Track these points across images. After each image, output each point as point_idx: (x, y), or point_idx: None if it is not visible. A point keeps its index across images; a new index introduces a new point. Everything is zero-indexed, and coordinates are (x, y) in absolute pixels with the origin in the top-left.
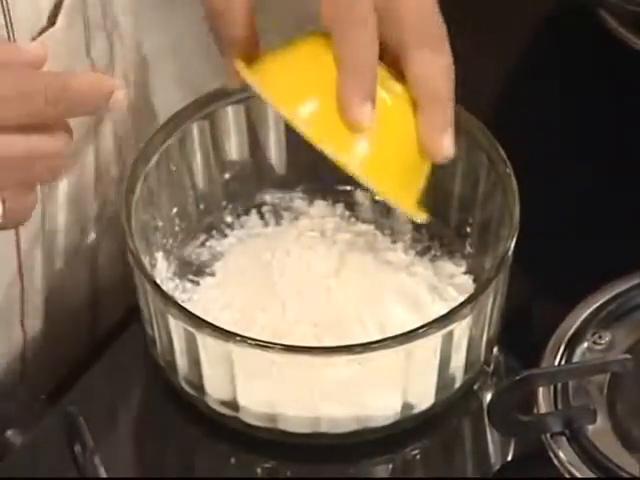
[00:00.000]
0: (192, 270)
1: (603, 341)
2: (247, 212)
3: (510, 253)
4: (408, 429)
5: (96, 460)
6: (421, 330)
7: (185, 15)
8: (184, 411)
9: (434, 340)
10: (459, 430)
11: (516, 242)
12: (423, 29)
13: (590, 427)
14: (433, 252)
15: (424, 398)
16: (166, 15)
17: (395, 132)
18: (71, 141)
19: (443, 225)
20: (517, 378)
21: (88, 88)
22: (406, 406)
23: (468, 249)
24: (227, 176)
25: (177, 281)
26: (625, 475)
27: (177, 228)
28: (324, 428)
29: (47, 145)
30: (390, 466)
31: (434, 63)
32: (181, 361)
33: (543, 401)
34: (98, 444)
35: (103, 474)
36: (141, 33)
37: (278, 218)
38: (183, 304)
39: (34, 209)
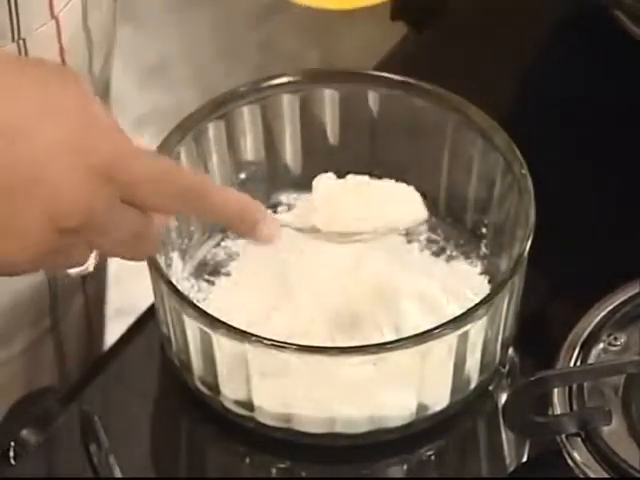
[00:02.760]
0: (208, 270)
1: (618, 342)
2: None
3: (526, 254)
4: (423, 430)
5: (111, 460)
6: (436, 331)
7: (202, 17)
8: (199, 411)
9: (449, 341)
10: (474, 431)
11: (532, 243)
12: None
13: (605, 428)
14: (448, 253)
15: (439, 399)
16: (183, 17)
17: None
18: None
19: (458, 226)
20: (532, 379)
21: (229, 206)
22: (421, 407)
23: (483, 250)
24: (242, 176)
25: (193, 281)
26: None
27: (192, 228)
28: (339, 428)
29: (152, 232)
30: (405, 467)
31: None
32: (196, 361)
33: (558, 402)
34: (113, 444)
35: (118, 474)
36: (157, 35)
37: None
38: (198, 304)
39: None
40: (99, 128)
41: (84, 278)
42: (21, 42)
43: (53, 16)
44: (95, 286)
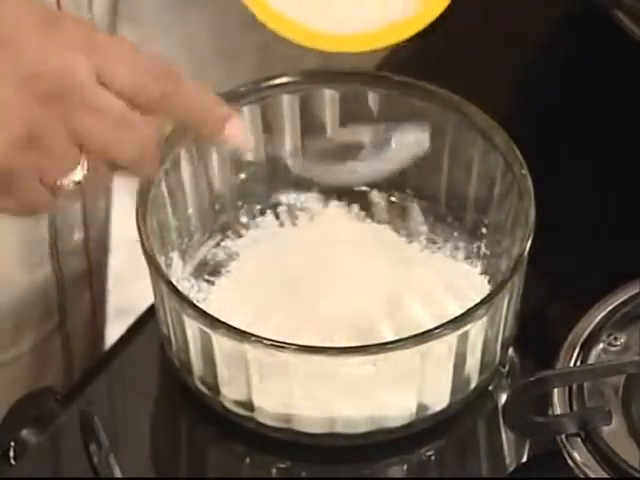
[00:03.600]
0: (207, 270)
1: (618, 343)
2: (262, 212)
3: (526, 254)
4: (423, 430)
5: (111, 460)
6: (436, 331)
7: (200, 16)
8: (199, 411)
9: (449, 341)
10: (474, 431)
11: (532, 243)
12: None
13: (605, 428)
14: (448, 253)
15: (439, 399)
16: (182, 17)
17: None
18: (153, 142)
19: (458, 226)
20: (532, 379)
21: (199, 97)
22: (421, 407)
23: (483, 250)
24: (243, 176)
25: (193, 281)
26: None
27: (192, 228)
28: (339, 428)
29: (138, 119)
30: (405, 467)
31: None
32: (196, 361)
33: (558, 402)
34: (113, 444)
35: (118, 474)
36: (156, 35)
37: (293, 218)
38: (198, 304)
39: (103, 186)
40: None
41: (90, 274)
42: None
43: (59, 5)
44: (99, 282)
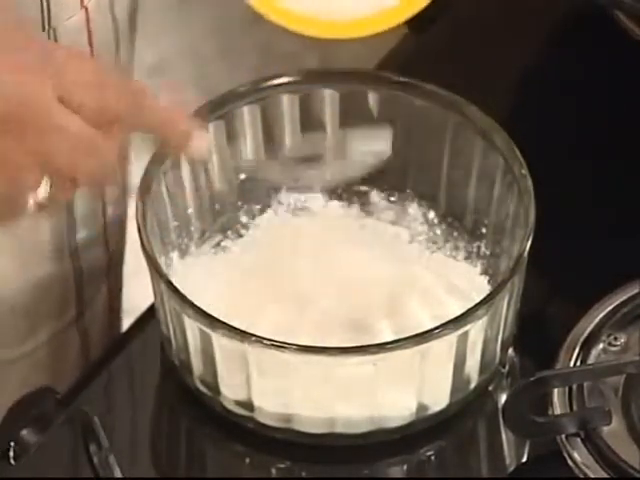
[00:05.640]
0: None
1: (618, 343)
2: (262, 212)
3: (526, 254)
4: (423, 430)
5: (111, 460)
6: (436, 331)
7: (201, 17)
8: (199, 411)
9: (449, 341)
10: (474, 431)
11: (531, 243)
12: None
13: (605, 428)
14: (448, 253)
15: (439, 399)
16: (183, 17)
17: None
18: (114, 159)
19: (458, 226)
20: (532, 379)
21: (164, 113)
22: (421, 407)
23: (483, 250)
24: (242, 176)
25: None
26: None
27: (192, 228)
28: (339, 428)
29: (102, 138)
30: (405, 467)
31: None
32: (196, 361)
33: (558, 402)
34: (113, 444)
35: (118, 474)
36: (157, 35)
37: (293, 218)
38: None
39: (65, 203)
40: (32, 34)
41: (109, 266)
42: (51, 31)
43: (82, 6)
44: (117, 274)
